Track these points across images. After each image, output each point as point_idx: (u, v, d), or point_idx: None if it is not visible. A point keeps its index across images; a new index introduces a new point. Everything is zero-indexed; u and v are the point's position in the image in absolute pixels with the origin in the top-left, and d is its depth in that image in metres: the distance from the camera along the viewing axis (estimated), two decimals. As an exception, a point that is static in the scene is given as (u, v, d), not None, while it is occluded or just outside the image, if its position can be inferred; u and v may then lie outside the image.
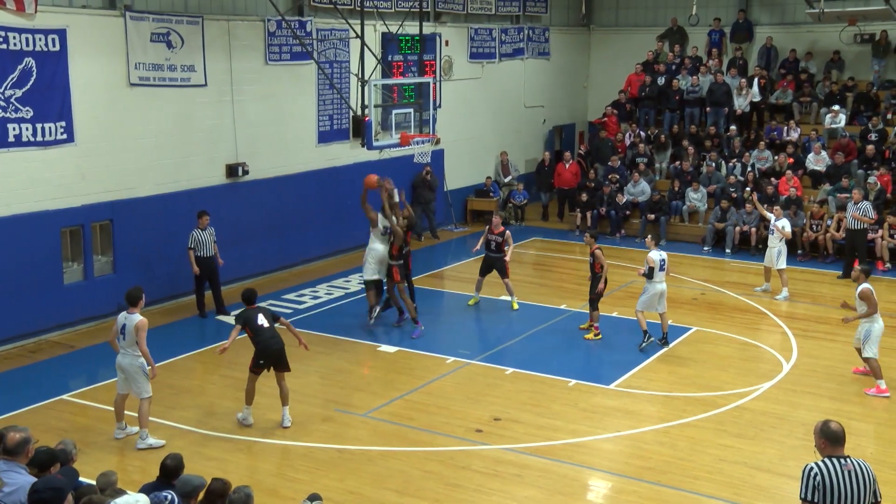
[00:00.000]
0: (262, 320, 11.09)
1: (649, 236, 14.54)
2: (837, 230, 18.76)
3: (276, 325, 11.24)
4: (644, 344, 13.76)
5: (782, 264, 16.43)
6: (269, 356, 11.09)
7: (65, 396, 12.02)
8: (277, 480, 9.71)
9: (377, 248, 14.41)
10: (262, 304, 11.69)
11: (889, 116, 21.84)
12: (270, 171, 17.55)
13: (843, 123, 21.88)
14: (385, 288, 14.76)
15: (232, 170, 16.77)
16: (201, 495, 7.11)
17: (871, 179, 19.59)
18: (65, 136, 14.16)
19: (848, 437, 10.41)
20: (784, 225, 16.48)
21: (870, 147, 20.62)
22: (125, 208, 15.07)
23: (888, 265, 18.38)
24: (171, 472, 7.33)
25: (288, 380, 12.37)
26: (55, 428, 10.75)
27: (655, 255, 13.76)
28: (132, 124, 15.11)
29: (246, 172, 16.99)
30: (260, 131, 17.30)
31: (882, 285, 17.50)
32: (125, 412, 10.84)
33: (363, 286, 15.02)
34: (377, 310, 14.55)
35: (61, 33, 13.90)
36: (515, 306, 15.84)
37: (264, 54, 17.23)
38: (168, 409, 11.55)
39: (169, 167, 15.78)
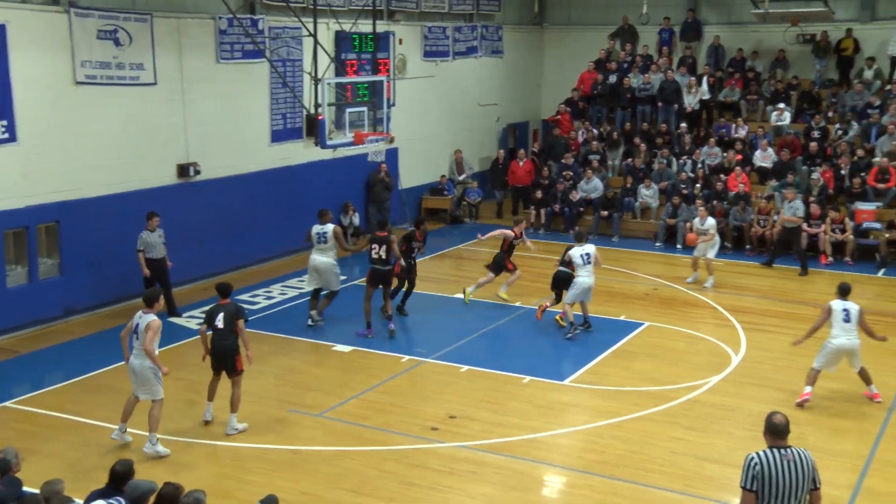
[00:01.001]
0: (218, 320, 10.87)
1: (573, 230, 14.89)
2: (772, 228, 19.21)
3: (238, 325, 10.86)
4: (570, 335, 14.13)
5: (713, 255, 17.08)
6: (215, 357, 10.94)
7: (8, 403, 11.75)
8: (231, 483, 9.61)
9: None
10: (234, 301, 11.35)
11: (830, 115, 22.33)
12: (223, 171, 17.39)
13: (788, 121, 22.33)
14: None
15: (183, 169, 16.58)
16: (152, 500, 7.02)
17: (815, 175, 20.01)
18: (6, 135, 13.84)
19: (792, 426, 10.59)
20: (710, 227, 17.18)
21: (813, 144, 21.05)
22: (72, 209, 14.80)
23: (830, 259, 18.78)
24: (120, 477, 7.23)
25: (242, 381, 12.34)
26: (-1, 437, 10.53)
27: (575, 251, 14.24)
28: (79, 123, 14.85)
29: (198, 172, 16.80)
30: (212, 130, 17.12)
31: (824, 278, 17.94)
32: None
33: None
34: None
35: (0, 29, 13.56)
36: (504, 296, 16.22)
37: (216, 52, 17.05)
38: (118, 413, 11.23)
39: (118, 167, 15.54)
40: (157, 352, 10.37)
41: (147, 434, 10.30)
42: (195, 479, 9.43)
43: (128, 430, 10.54)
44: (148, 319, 10.29)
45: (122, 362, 12.82)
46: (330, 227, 14.55)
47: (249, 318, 14.90)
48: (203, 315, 11.61)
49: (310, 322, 14.68)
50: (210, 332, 10.98)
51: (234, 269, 17.81)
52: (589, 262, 14.25)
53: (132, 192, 15.69)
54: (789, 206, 18.75)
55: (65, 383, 12.45)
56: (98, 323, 14.85)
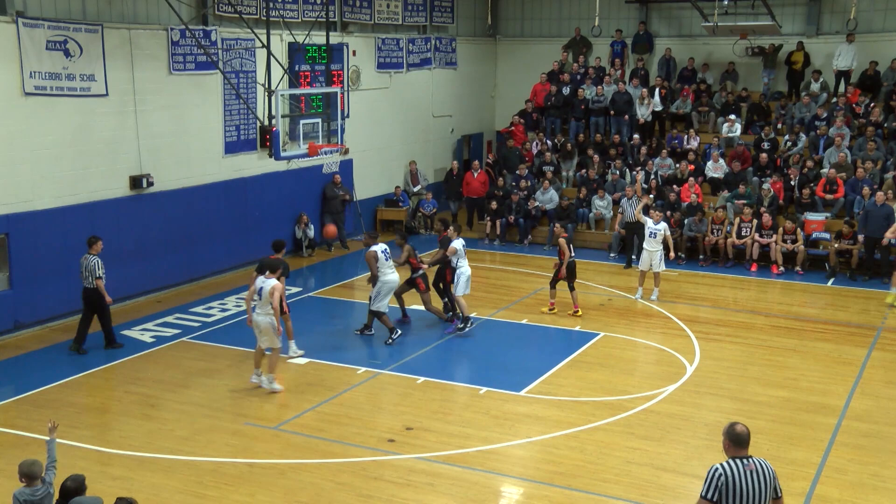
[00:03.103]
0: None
1: (451, 227, 15.44)
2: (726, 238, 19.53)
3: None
4: (465, 326, 14.88)
5: (662, 267, 17.00)
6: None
7: (-42, 418, 11.52)
8: (185, 497, 9.49)
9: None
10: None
11: (779, 126, 22.76)
12: (176, 183, 17.21)
13: (738, 132, 22.71)
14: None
15: (136, 181, 16.37)
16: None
17: (766, 186, 20.36)
18: (-46, 146, 13.60)
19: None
20: (664, 228, 16.95)
21: (763, 155, 21.43)
22: (22, 222, 14.53)
23: (782, 269, 19.10)
24: (70, 493, 7.13)
25: (194, 395, 12.31)
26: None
27: (457, 243, 14.97)
28: (28, 135, 14.60)
29: (150, 184, 16.60)
30: (164, 142, 16.94)
31: (777, 288, 18.28)
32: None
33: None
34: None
35: (-53, 38, 13.37)
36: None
37: (168, 64, 16.88)
38: (70, 427, 11.17)
39: (68, 179, 15.31)
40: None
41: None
42: (149, 494, 9.35)
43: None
44: (271, 283, 12.08)
45: (73, 376, 12.76)
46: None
47: (204, 332, 14.91)
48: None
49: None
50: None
51: (189, 282, 17.65)
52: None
53: (83, 205, 15.47)
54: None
55: (14, 398, 12.19)
56: (48, 337, 14.59)
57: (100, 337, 14.08)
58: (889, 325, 15.63)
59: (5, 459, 10.32)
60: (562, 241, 16.04)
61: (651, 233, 16.87)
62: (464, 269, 14.98)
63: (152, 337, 14.67)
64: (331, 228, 17.66)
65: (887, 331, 15.38)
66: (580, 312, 16.01)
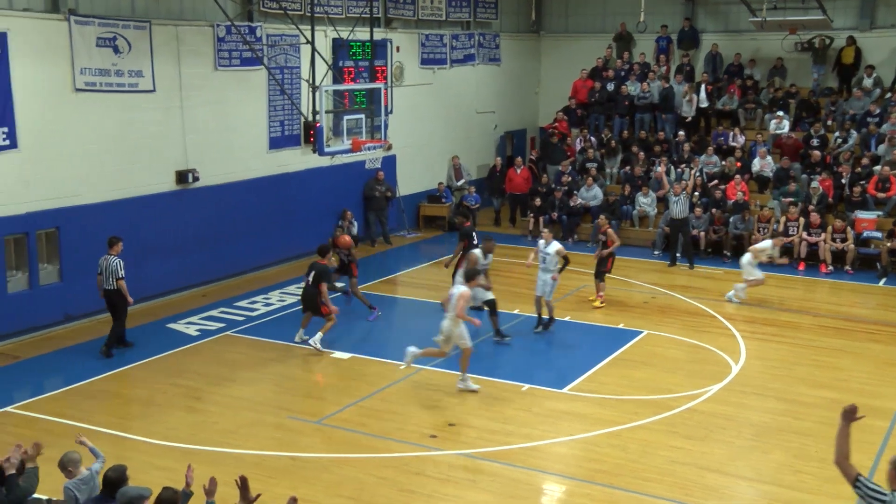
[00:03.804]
0: (309, 276, 13.90)
1: (545, 229, 15.50)
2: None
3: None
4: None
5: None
6: (303, 300, 14.15)
7: (8, 408, 11.73)
8: (230, 489, 9.23)
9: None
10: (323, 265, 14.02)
11: (829, 122, 22.32)
12: (221, 178, 17.37)
13: (786, 129, 22.30)
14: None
15: (182, 176, 16.56)
16: (150, 506, 6.99)
17: (814, 184, 20.00)
18: (7, 141, 13.84)
19: (793, 436, 10.87)
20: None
21: (816, 153, 21.02)
22: (72, 216, 14.78)
23: (831, 268, 18.76)
24: (112, 483, 7.18)
25: (238, 388, 12.41)
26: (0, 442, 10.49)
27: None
28: (78, 130, 14.84)
29: (196, 179, 16.78)
30: (209, 137, 17.11)
31: (825, 287, 17.96)
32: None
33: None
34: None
35: (2, 36, 13.59)
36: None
37: (214, 60, 17.05)
38: (116, 419, 11.37)
39: (116, 174, 15.53)
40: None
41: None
42: (194, 485, 9.36)
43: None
44: (459, 290, 12.39)
45: (121, 368, 12.92)
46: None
47: (248, 326, 15.04)
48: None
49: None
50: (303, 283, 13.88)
51: (233, 276, 17.81)
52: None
53: (131, 199, 15.68)
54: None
55: (64, 389, 12.41)
56: (98, 329, 14.79)
57: (134, 333, 14.17)
58: (818, 309, 15.27)
59: (56, 448, 10.39)
60: (611, 230, 16.18)
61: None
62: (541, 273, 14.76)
63: (197, 330, 14.83)
64: (345, 239, 17.02)
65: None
66: (600, 304, 16.17)
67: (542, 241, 15.03)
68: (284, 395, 12.29)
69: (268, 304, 16.27)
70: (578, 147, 23.73)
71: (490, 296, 14.44)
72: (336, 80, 17.97)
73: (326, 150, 15.71)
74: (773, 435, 11.03)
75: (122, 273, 13.39)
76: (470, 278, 12.91)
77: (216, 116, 17.20)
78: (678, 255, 19.42)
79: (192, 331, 14.81)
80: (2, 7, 13.78)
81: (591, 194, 21.82)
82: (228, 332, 14.75)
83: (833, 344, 14.48)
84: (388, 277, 18.62)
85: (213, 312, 15.77)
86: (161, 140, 16.21)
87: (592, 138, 23.82)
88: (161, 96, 16.05)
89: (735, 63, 24.45)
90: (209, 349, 13.97)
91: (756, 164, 21.49)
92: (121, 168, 15.60)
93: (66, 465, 7.59)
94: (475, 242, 15.59)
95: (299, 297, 14.74)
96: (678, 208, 19.10)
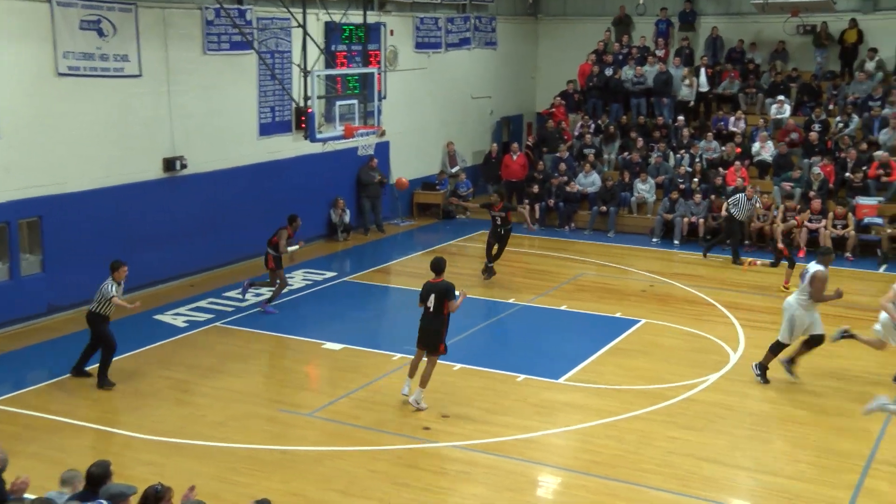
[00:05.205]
0: (430, 301, 11.16)
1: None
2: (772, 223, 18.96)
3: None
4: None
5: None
6: (421, 334, 11.31)
7: (-9, 403, 11.51)
8: (219, 484, 9.40)
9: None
10: (445, 280, 11.33)
11: (831, 107, 22.03)
12: (210, 165, 17.07)
13: (788, 114, 22.06)
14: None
15: (169, 163, 16.26)
16: (134, 502, 6.78)
17: (815, 170, 19.75)
18: (-14, 127, 13.55)
19: (792, 425, 10.78)
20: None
21: (812, 135, 20.77)
22: (55, 204, 14.47)
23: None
24: (96, 479, 7.00)
25: (227, 380, 12.14)
26: (-20, 436, 10.26)
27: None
28: (61, 116, 14.51)
29: (184, 166, 16.48)
30: (198, 123, 16.79)
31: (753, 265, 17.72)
32: None
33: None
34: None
35: (-20, 18, 13.28)
36: None
37: (202, 44, 16.71)
38: (102, 413, 11.16)
39: (102, 161, 15.21)
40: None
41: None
42: (182, 480, 9.09)
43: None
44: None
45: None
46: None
47: (237, 317, 14.80)
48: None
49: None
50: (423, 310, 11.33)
51: (222, 265, 17.54)
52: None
53: (117, 187, 15.38)
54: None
55: (48, 382, 12.16)
56: (82, 321, 14.43)
57: (120, 325, 13.43)
58: (857, 303, 15.13)
59: (39, 443, 10.30)
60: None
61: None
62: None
63: (185, 322, 14.59)
64: (402, 181, 16.85)
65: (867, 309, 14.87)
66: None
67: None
68: (275, 387, 12.14)
69: (258, 295, 15.98)
70: (578, 132, 23.44)
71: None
72: (328, 65, 17.78)
73: (318, 136, 15.57)
74: (772, 424, 10.98)
75: (113, 292, 11.91)
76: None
77: (205, 102, 16.88)
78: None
79: (179, 322, 14.57)
80: (-19, -11, 13.48)
81: (589, 181, 21.56)
82: (217, 324, 14.51)
83: (833, 332, 14.23)
84: (381, 266, 18.38)
85: (202, 303, 15.54)
86: (148, 126, 15.89)
87: (592, 124, 23.53)
88: (148, 81, 15.72)
89: (738, 49, 24.15)
90: (198, 341, 13.75)
91: (756, 148, 21.20)
92: (106, 155, 15.28)
93: (65, 481, 7.31)
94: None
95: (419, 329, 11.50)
96: (745, 211, 18.37)
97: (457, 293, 11.26)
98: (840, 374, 12.50)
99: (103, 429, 10.67)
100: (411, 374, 11.41)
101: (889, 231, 18.23)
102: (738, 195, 18.51)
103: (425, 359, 11.31)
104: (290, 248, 15.07)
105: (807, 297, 11.90)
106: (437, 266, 11.36)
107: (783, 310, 12.19)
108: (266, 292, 15.42)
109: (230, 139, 17.55)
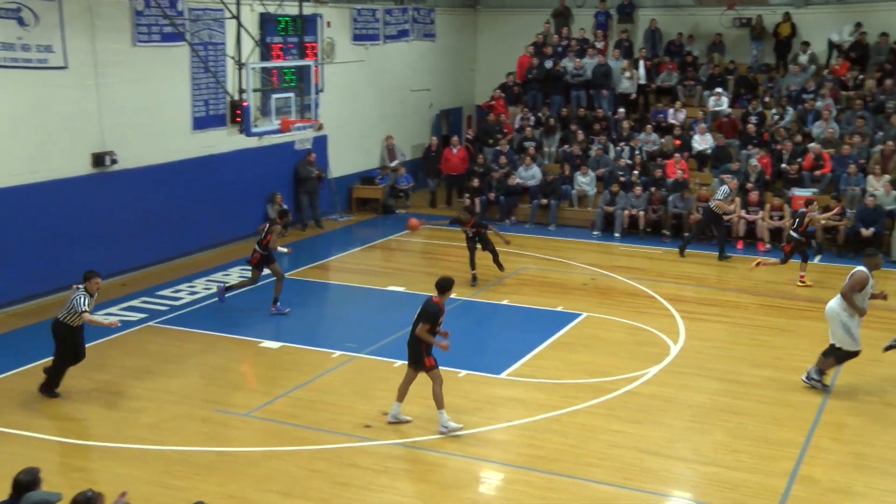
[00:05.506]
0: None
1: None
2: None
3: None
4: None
5: None
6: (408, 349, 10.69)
7: None
8: (153, 488, 9.17)
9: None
10: (428, 300, 10.67)
11: (767, 99, 22.35)
12: (141, 160, 16.60)
13: (725, 106, 22.30)
14: None
15: (98, 159, 15.76)
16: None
17: (752, 161, 20.00)
18: None
19: (731, 416, 10.89)
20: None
21: (750, 126, 21.03)
22: (-25, 201, 13.97)
23: (768, 245, 18.77)
24: (23, 487, 6.73)
25: (161, 381, 11.86)
26: None
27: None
28: (-19, 110, 13.99)
29: (114, 162, 15.99)
30: (129, 118, 16.31)
31: (761, 266, 17.94)
32: None
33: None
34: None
35: None
36: None
37: (131, 35, 16.22)
38: (29, 418, 10.75)
39: (26, 157, 14.67)
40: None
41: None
42: (114, 486, 8.71)
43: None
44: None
45: (30, 364, 12.11)
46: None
47: (171, 316, 14.43)
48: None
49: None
50: None
51: (155, 264, 17.10)
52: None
53: (42, 184, 14.85)
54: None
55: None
56: (7, 322, 14.10)
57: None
58: (874, 303, 15.45)
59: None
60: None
61: None
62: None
63: (117, 322, 14.10)
64: (414, 221, 16.70)
65: (872, 308, 15.09)
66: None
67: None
68: (211, 387, 11.87)
69: (193, 293, 15.66)
70: (518, 125, 23.41)
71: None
72: (263, 57, 17.50)
73: (254, 130, 15.41)
74: (711, 415, 11.04)
75: (84, 306, 11.16)
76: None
77: (135, 95, 16.40)
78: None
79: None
80: None
81: (530, 174, 21.53)
82: (151, 323, 14.14)
83: (771, 322, 14.56)
84: (319, 262, 18.10)
85: (134, 302, 15.13)
86: (75, 120, 15.36)
87: (531, 116, 23.51)
88: (74, 73, 15.20)
89: (676, 42, 24.38)
90: (130, 341, 13.37)
91: (696, 140, 21.39)
92: (30, 150, 14.75)
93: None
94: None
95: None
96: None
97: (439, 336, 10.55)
98: (776, 365, 12.62)
99: (30, 435, 10.28)
100: (399, 398, 10.71)
101: (823, 222, 18.51)
102: (723, 187, 18.38)
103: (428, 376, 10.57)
104: (281, 249, 14.62)
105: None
106: (439, 285, 10.67)
107: (828, 318, 11.65)
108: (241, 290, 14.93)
109: (163, 133, 17.10)
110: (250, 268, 14.71)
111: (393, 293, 15.71)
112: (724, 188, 18.39)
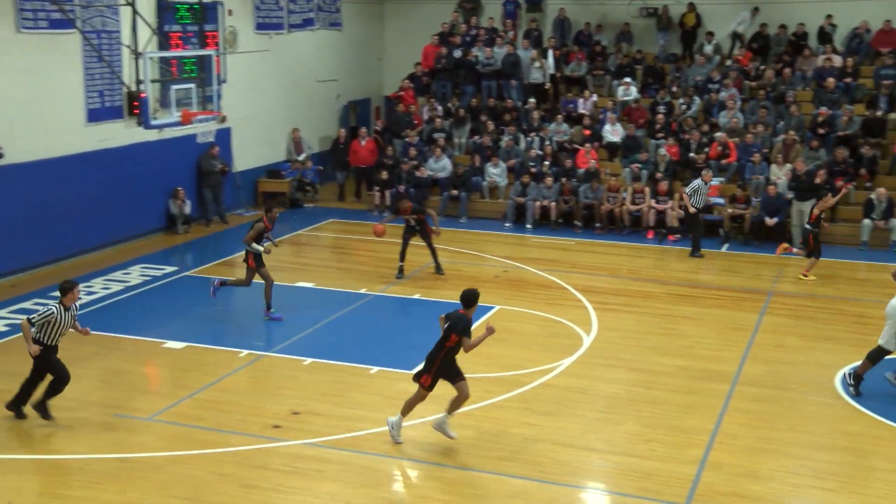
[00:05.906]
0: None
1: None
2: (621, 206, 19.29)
3: None
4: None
5: None
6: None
7: None
8: (47, 500, 8.82)
9: None
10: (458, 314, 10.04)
11: (674, 89, 22.67)
12: (32, 154, 15.81)
13: (634, 95, 22.54)
14: None
15: (-16, 153, 14.98)
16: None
17: (661, 151, 20.24)
18: None
19: (643, 405, 10.98)
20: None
21: (659, 116, 21.29)
22: None
23: (678, 235, 18.97)
24: None
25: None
26: None
27: None
28: None
29: (1, 156, 15.18)
30: (16, 109, 15.51)
31: (673, 254, 18.19)
32: None
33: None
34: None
35: None
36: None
37: (15, 21, 15.39)
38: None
39: None
40: None
41: None
42: (9, 498, 8.68)
43: None
44: None
45: None
46: None
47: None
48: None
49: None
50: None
51: (50, 263, 16.34)
52: None
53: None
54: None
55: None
56: None
57: None
58: (779, 290, 15.83)
59: None
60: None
61: None
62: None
63: (6, 325, 13.51)
64: (379, 227, 15.90)
65: (777, 295, 15.54)
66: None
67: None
68: (111, 391, 11.43)
69: (90, 294, 14.98)
70: (427, 116, 23.20)
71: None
72: (162, 47, 16.91)
73: (153, 122, 14.97)
74: (624, 406, 11.13)
75: (35, 316, 10.36)
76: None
77: (22, 86, 15.60)
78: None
79: (0, 325, 13.51)
80: None
81: (440, 165, 21.35)
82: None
83: (681, 311, 14.75)
84: (225, 259, 17.53)
85: (26, 304, 14.37)
86: (-44, 112, 14.56)
87: (439, 107, 23.32)
88: (-47, 62, 14.40)
89: (585, 32, 24.54)
90: (22, 345, 12.47)
91: (607, 131, 21.52)
92: None
93: None
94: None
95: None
96: (703, 196, 17.98)
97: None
98: (686, 353, 12.77)
99: None
100: (404, 412, 10.17)
101: (729, 210, 18.87)
102: (695, 182, 18.01)
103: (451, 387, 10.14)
104: (257, 247, 13.72)
105: None
106: (465, 299, 10.06)
107: (887, 315, 11.20)
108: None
109: (54, 126, 16.32)
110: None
111: (302, 289, 15.37)
112: (695, 182, 18.05)
